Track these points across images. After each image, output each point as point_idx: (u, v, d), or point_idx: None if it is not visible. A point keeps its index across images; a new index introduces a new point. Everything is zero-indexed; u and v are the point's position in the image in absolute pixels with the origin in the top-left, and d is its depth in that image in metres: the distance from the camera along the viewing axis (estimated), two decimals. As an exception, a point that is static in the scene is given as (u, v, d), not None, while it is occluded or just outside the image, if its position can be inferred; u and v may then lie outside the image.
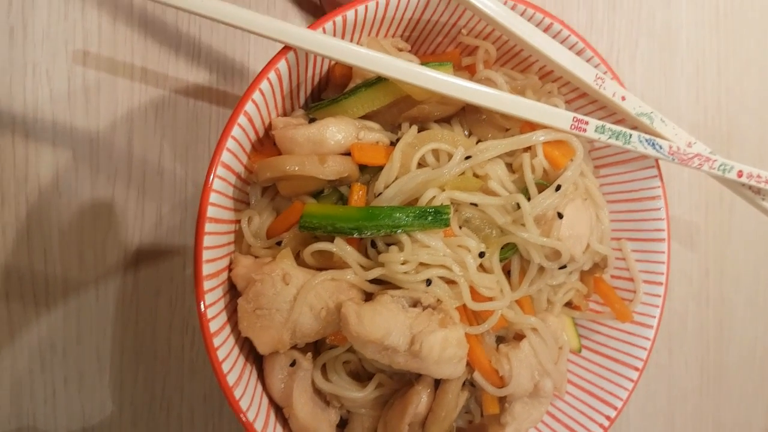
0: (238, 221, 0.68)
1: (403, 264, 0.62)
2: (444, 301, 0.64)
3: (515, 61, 0.77)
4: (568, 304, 0.78)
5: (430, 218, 0.62)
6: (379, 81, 0.67)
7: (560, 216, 0.68)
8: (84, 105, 0.78)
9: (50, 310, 0.78)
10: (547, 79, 0.77)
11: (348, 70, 0.71)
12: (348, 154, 0.66)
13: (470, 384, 0.69)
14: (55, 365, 0.79)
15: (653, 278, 0.77)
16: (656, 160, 0.76)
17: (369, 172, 0.68)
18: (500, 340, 0.72)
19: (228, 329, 0.63)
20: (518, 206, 0.66)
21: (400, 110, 0.69)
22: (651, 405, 1.07)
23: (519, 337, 0.70)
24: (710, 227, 1.13)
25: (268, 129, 0.68)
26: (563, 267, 0.70)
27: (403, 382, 0.69)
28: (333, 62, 0.72)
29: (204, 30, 0.83)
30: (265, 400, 0.66)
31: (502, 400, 0.71)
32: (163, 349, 0.82)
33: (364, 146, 0.66)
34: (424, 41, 0.77)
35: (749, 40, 1.14)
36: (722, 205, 1.14)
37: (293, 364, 0.65)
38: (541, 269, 0.70)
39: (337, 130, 0.65)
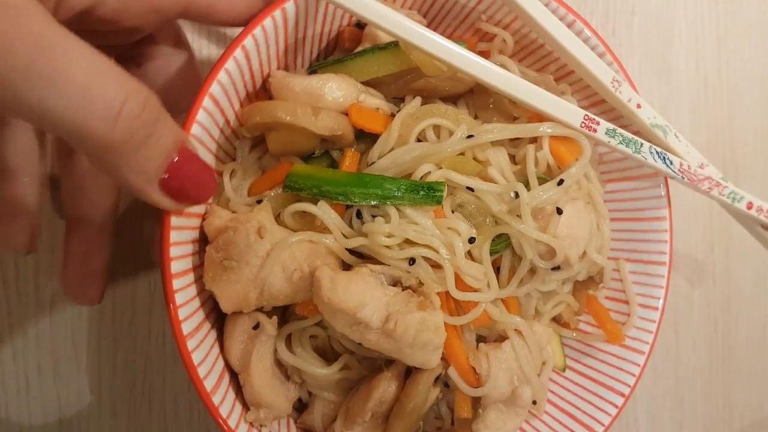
0: (221, 174, 0.64)
1: (387, 237, 0.59)
2: (426, 284, 0.60)
3: (532, 59, 0.75)
4: (557, 320, 0.76)
5: (422, 193, 0.60)
6: (389, 47, 0.64)
7: (559, 212, 0.65)
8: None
9: (20, 295, 0.74)
10: (562, 81, 0.75)
11: (358, 35, 0.69)
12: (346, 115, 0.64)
13: (444, 384, 0.66)
14: (28, 353, 0.75)
15: (649, 302, 0.75)
16: (665, 179, 0.75)
17: (364, 141, 0.65)
18: (481, 340, 0.69)
19: (194, 289, 0.60)
20: (516, 196, 0.63)
21: (406, 83, 0.66)
22: (659, 386, 1.04)
23: (501, 339, 0.67)
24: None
25: (266, 80, 0.65)
26: (557, 269, 0.67)
27: (372, 368, 0.65)
28: (342, 26, 0.69)
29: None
30: (222, 363, 0.63)
31: (476, 405, 0.67)
32: (142, 334, 0.78)
33: (363, 109, 0.63)
34: (440, 22, 0.75)
35: (749, 8, 1.11)
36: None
37: (256, 326, 0.61)
38: (533, 271, 0.67)
39: (337, 87, 0.62)
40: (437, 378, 0.63)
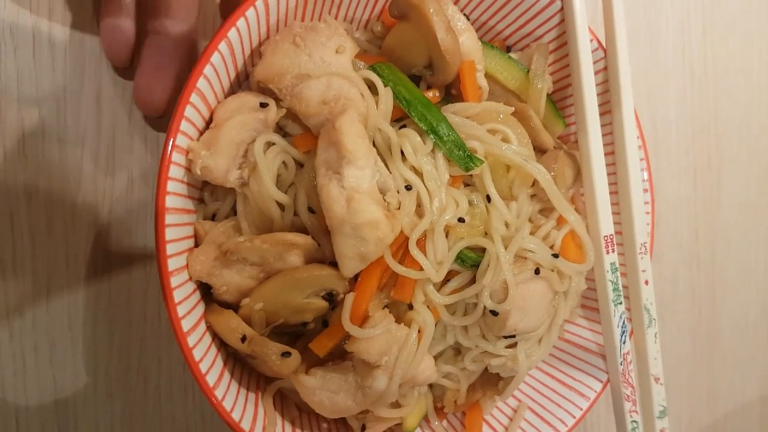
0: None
1: (412, 150, 0.64)
2: (402, 209, 0.63)
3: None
4: (436, 399, 0.76)
5: (461, 152, 0.65)
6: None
7: (537, 272, 0.69)
8: (50, 63, 0.75)
9: (18, 277, 0.75)
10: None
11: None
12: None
13: (329, 302, 0.64)
14: (24, 335, 0.76)
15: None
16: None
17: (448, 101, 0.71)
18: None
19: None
20: (509, 229, 0.69)
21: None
22: (643, 372, 1.04)
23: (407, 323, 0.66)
24: (699, 191, 1.12)
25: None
26: (494, 314, 0.67)
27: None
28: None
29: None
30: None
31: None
32: (138, 317, 0.79)
33: (474, 72, 0.71)
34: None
35: (734, 0, 1.12)
36: (711, 168, 1.13)
37: (264, 105, 0.63)
38: (473, 306, 0.68)
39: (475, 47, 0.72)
40: (330, 293, 0.63)
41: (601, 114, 0.75)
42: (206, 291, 0.64)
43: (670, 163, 1.09)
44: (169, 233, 0.56)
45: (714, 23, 1.11)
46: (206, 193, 0.67)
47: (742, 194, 1.15)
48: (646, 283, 0.75)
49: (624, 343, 0.73)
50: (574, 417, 0.74)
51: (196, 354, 0.57)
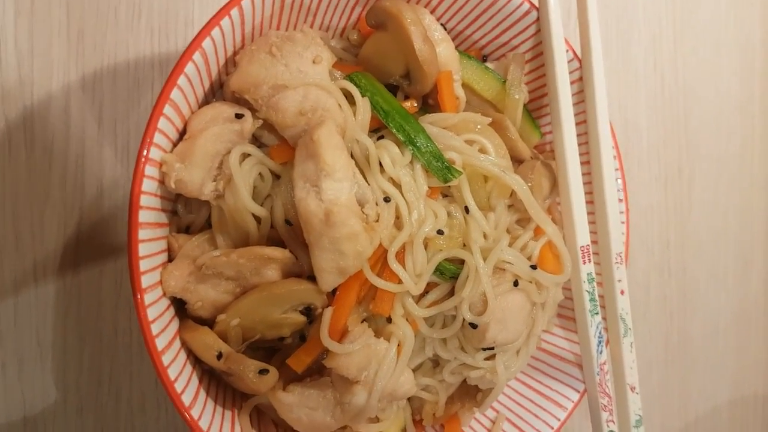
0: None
1: (390, 161, 0.63)
2: (380, 222, 0.62)
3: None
4: (415, 412, 0.75)
5: (439, 164, 0.65)
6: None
7: (516, 284, 0.69)
8: (16, 71, 0.73)
9: (-16, 292, 0.73)
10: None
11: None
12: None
13: (307, 317, 0.62)
14: (-9, 351, 0.73)
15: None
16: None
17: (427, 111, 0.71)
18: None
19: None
20: (488, 241, 0.68)
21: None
22: (617, 378, 1.05)
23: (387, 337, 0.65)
24: (670, 199, 1.13)
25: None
26: (473, 326, 0.67)
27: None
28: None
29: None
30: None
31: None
32: (109, 331, 0.77)
33: (450, 83, 0.70)
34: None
35: (704, 9, 1.14)
36: (681, 177, 1.14)
37: (240, 116, 0.62)
38: (452, 319, 0.68)
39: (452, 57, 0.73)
40: (308, 308, 0.62)
41: (577, 123, 0.75)
42: (180, 306, 0.63)
43: (641, 171, 1.10)
44: (142, 249, 0.54)
45: (684, 32, 1.12)
46: (180, 205, 0.65)
47: (712, 201, 1.16)
48: (622, 293, 0.75)
49: (600, 353, 0.73)
50: (552, 427, 0.74)
51: (171, 373, 0.56)
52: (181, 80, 0.56)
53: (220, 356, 0.59)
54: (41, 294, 0.75)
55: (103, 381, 0.77)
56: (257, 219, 0.62)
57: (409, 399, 0.73)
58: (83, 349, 0.76)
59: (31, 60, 0.74)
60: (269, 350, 0.67)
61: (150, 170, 0.55)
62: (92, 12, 0.76)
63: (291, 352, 0.64)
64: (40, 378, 0.75)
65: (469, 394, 0.75)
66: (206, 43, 0.56)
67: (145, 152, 0.54)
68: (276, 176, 0.64)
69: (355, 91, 0.64)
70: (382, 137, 0.66)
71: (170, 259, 0.62)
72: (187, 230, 0.65)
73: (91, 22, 0.76)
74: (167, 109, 0.55)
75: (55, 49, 0.74)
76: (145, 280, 0.55)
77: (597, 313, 0.74)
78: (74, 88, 0.75)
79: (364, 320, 0.65)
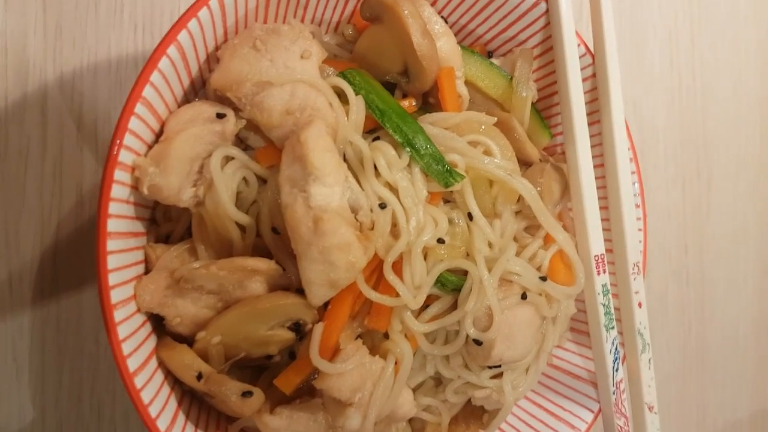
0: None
1: (386, 164, 0.59)
2: (376, 229, 0.58)
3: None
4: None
5: (439, 167, 0.61)
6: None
7: (523, 297, 0.65)
8: (-10, 70, 0.69)
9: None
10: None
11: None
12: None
13: (296, 333, 0.58)
14: (-37, 368, 0.70)
15: None
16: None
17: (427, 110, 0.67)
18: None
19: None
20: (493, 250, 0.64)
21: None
22: (632, 391, 1.00)
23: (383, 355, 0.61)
24: (688, 202, 1.08)
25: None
26: (478, 343, 0.63)
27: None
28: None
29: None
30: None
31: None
32: (90, 345, 0.73)
33: (452, 80, 0.66)
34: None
35: (722, 8, 1.09)
36: (700, 179, 1.09)
37: (221, 116, 0.57)
38: (455, 334, 0.63)
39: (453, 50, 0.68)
40: (297, 324, 0.58)
41: (590, 124, 0.71)
42: (159, 322, 0.58)
43: (657, 173, 1.06)
44: (112, 261, 0.50)
45: (702, 30, 1.08)
46: (158, 213, 0.61)
47: (731, 205, 1.11)
48: (640, 305, 0.70)
49: (617, 370, 0.69)
50: None
51: (145, 396, 0.52)
52: (155, 77, 0.51)
53: (199, 377, 0.55)
54: (17, 307, 0.71)
55: (84, 398, 0.74)
56: (241, 227, 0.58)
57: (409, 420, 0.69)
58: (62, 364, 0.72)
59: (4, 58, 0.70)
60: (257, 368, 0.63)
61: (121, 175, 0.51)
62: (71, 5, 0.72)
63: (280, 371, 0.59)
64: (16, 395, 0.71)
65: (475, 415, 0.70)
66: (182, 36, 0.52)
67: (113, 155, 0.49)
68: (262, 181, 0.59)
69: (348, 89, 0.59)
70: (377, 138, 0.62)
71: (147, 272, 0.58)
72: (167, 240, 0.61)
73: (70, 16, 0.72)
74: (139, 108, 0.51)
75: (31, 45, 0.71)
76: (116, 295, 0.51)
77: (613, 328, 0.69)
78: (51, 87, 0.71)
79: (358, 337, 0.61)
